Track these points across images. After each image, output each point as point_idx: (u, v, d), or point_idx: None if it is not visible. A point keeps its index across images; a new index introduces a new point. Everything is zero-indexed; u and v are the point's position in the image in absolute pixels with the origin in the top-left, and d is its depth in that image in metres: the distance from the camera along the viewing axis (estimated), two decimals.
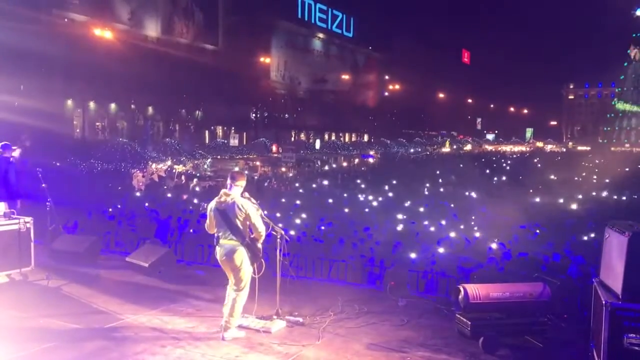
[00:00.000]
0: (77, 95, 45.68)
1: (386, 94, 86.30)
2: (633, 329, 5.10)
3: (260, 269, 6.63)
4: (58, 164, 23.26)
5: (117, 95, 48.97)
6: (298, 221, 12.99)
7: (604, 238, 5.88)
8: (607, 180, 23.76)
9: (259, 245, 6.49)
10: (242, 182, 6.51)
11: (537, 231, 11.35)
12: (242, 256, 6.36)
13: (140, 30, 52.88)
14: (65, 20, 44.43)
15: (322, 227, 12.01)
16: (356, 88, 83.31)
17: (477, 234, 11.79)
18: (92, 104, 49.09)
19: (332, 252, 10.12)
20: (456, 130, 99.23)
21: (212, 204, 6.48)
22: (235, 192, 6.42)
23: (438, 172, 27.53)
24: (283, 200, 16.89)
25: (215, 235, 6.49)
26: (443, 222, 12.96)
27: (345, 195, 18.48)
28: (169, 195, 17.41)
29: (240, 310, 6.47)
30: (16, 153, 10.20)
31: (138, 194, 16.59)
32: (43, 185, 10.25)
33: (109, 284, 8.53)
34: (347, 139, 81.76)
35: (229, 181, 6.49)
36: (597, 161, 40.00)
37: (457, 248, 10.46)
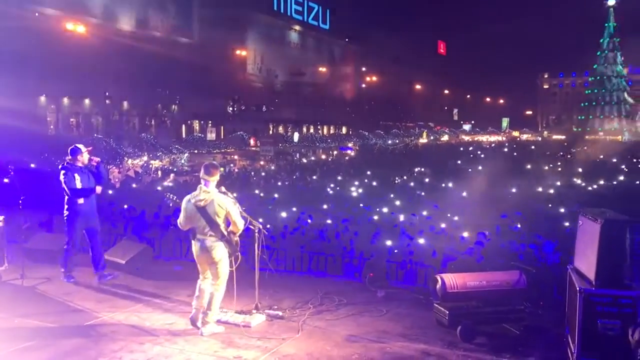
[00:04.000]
0: (50, 92, 44.96)
1: (363, 86, 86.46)
2: (606, 314, 5.20)
3: (236, 262, 6.57)
4: (32, 164, 22.84)
5: (91, 90, 48.31)
6: (277, 214, 12.96)
7: (578, 225, 5.97)
8: (581, 169, 24.14)
9: (237, 239, 6.47)
10: (217, 177, 6.40)
11: (518, 225, 11.48)
12: (220, 251, 6.32)
13: (113, 24, 52.15)
14: (37, 14, 43.60)
15: (308, 220, 11.98)
16: (333, 80, 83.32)
17: (455, 224, 11.87)
18: (65, 100, 48.38)
19: (312, 244, 10.12)
20: (433, 121, 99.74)
21: (189, 200, 6.36)
22: (213, 188, 6.33)
23: (416, 162, 27.69)
24: (261, 193, 16.83)
25: (192, 229, 6.41)
26: (423, 213, 13.04)
27: (324, 187, 18.49)
28: (147, 190, 17.27)
29: (218, 305, 6.44)
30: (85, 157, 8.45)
31: (110, 192, 16.33)
32: (5, 180, 9.83)
33: (85, 282, 8.41)
34: (325, 132, 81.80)
35: (203, 176, 6.35)
36: (572, 150, 40.54)
37: (436, 238, 10.54)
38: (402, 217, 12.51)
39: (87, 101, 50.58)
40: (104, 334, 6.38)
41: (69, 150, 8.44)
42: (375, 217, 12.65)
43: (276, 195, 16.12)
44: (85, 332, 6.42)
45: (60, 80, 42.59)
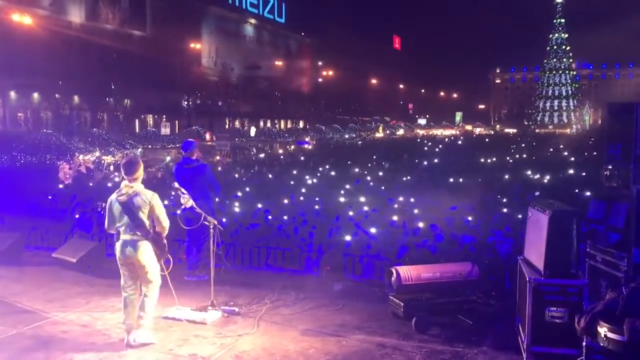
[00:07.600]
0: None
1: (320, 80, 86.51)
2: (554, 303, 5.35)
3: (168, 266, 6.10)
4: None
5: (40, 84, 46.88)
6: (233, 209, 12.85)
7: (527, 217, 6.11)
8: (532, 160, 24.74)
9: (164, 240, 5.99)
10: (140, 173, 5.91)
11: (469, 218, 11.68)
12: (147, 252, 5.80)
13: (62, 16, 50.67)
14: None
15: (270, 217, 11.89)
16: (290, 74, 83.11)
17: (410, 217, 12.01)
18: (12, 94, 46.80)
19: (269, 239, 10.08)
20: (389, 115, 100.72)
21: (111, 198, 5.89)
22: (137, 184, 5.88)
23: (372, 157, 27.88)
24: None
25: (116, 229, 5.86)
26: (378, 206, 13.14)
27: (281, 181, 18.42)
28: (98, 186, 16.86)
29: (152, 307, 5.99)
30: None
31: (61, 186, 15.92)
32: None
33: (34, 282, 8.16)
34: (282, 126, 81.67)
35: (124, 177, 5.82)
36: (523, 144, 41.49)
37: (391, 231, 10.63)
38: (357, 210, 12.58)
39: (35, 95, 49.07)
40: (54, 334, 6.21)
41: (182, 145, 8.57)
42: (333, 210, 12.69)
43: (233, 190, 15.98)
44: (33, 334, 6.22)
45: (7, 74, 41.16)
